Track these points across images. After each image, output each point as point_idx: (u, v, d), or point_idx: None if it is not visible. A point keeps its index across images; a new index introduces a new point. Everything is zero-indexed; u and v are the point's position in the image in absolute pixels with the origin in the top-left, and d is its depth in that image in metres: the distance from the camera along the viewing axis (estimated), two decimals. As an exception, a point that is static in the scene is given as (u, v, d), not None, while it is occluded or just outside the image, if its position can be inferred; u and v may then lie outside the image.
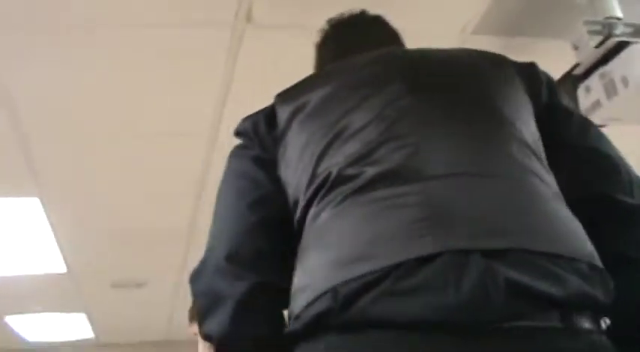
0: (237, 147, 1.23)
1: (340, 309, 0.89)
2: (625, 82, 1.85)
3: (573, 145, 1.14)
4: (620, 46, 1.90)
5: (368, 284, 0.88)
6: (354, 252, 0.93)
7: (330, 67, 1.30)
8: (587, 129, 1.18)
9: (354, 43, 1.36)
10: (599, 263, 0.95)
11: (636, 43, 1.90)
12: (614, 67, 1.89)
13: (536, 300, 0.87)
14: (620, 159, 1.14)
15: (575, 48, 2.00)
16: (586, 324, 0.91)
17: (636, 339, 0.98)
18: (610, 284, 0.95)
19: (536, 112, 1.15)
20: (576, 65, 2.03)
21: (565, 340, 0.88)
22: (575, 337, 0.89)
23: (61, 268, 4.38)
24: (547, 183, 1.03)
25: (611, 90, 1.89)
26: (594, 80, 1.95)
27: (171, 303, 5.31)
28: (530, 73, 1.21)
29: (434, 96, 1.11)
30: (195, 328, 3.32)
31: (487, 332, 0.85)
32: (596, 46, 1.92)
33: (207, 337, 1.05)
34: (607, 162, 1.12)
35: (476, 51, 1.27)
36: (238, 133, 1.24)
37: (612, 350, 0.91)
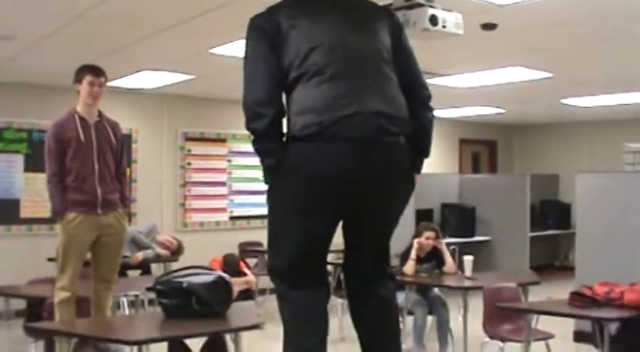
0: (256, 33, 2.36)
1: (323, 131, 2.24)
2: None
3: (403, 68, 2.48)
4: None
5: (334, 122, 2.24)
6: (326, 106, 2.26)
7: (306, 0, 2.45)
8: (410, 58, 2.53)
9: None
10: (410, 120, 2.41)
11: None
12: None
13: (391, 132, 2.32)
14: (422, 76, 2.54)
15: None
16: (403, 140, 2.38)
17: (415, 147, 2.48)
18: (412, 128, 2.41)
19: (392, 43, 2.46)
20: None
21: (396, 146, 2.36)
22: (399, 145, 2.37)
23: None
24: (396, 82, 2.39)
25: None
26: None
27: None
28: (396, 23, 2.55)
29: (354, 40, 2.38)
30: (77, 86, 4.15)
31: (375, 142, 2.30)
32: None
33: (252, 130, 2.32)
34: (417, 80, 2.52)
35: (372, 4, 2.55)
36: (254, 27, 2.36)
37: (409, 152, 2.42)
